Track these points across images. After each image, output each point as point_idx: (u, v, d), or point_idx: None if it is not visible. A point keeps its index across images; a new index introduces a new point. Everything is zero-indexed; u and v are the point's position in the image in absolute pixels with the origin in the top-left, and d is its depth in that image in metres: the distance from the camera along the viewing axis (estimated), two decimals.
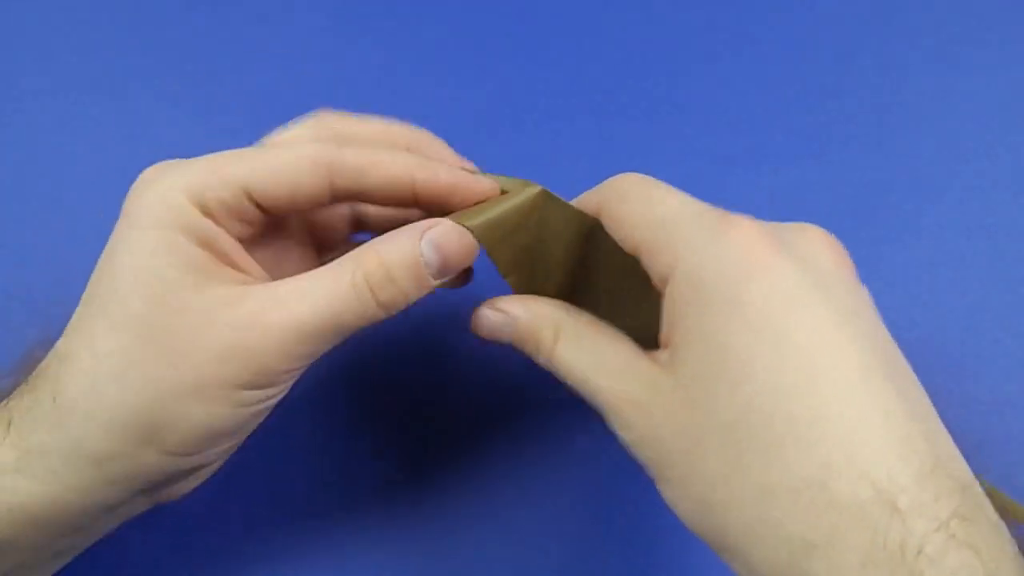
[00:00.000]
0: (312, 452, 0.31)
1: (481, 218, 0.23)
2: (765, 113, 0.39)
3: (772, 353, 0.17)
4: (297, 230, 0.27)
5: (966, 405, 0.32)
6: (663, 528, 0.30)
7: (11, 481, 0.20)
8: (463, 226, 0.23)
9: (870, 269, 0.35)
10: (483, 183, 0.24)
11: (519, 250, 0.25)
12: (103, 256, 0.22)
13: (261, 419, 0.24)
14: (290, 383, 0.23)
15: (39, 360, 0.22)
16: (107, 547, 0.25)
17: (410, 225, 0.22)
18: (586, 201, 0.25)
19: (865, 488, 0.15)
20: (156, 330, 0.20)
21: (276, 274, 0.23)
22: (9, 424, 0.21)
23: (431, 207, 0.25)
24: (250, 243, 0.24)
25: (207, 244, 0.21)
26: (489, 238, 0.23)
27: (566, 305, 0.24)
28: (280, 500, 0.30)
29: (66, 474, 0.21)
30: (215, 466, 0.25)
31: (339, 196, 0.23)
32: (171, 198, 0.21)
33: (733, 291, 0.18)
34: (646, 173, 0.37)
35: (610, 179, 0.25)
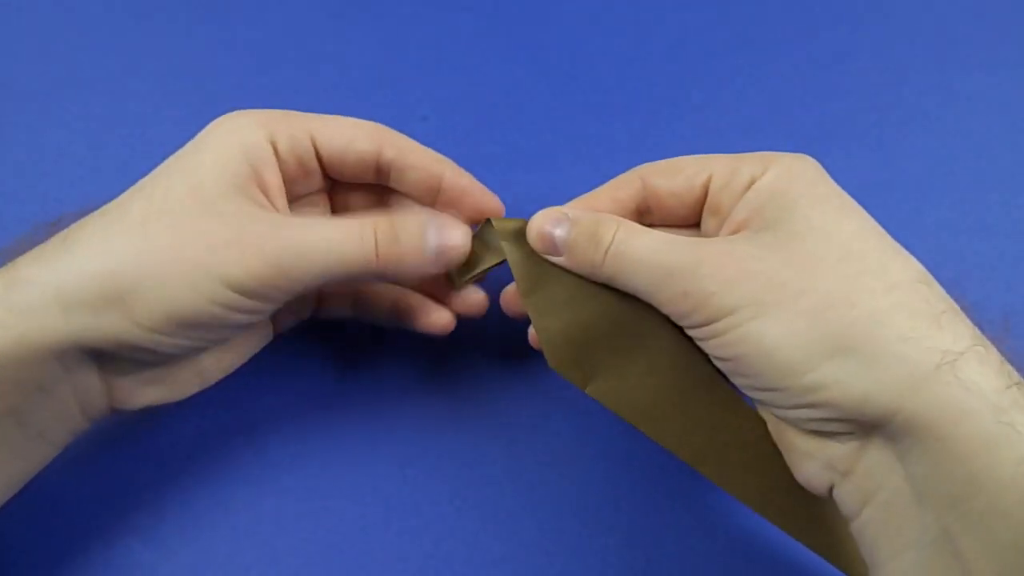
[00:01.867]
0: (308, 440, 0.31)
1: (505, 220, 0.27)
2: (765, 113, 0.39)
3: (857, 221, 0.24)
4: None
5: None
6: (663, 527, 0.30)
7: None
8: (489, 220, 0.27)
9: None
10: (494, 199, 0.29)
11: (534, 266, 0.26)
12: (176, 153, 0.25)
13: (221, 335, 0.25)
14: (262, 311, 0.25)
15: (65, 225, 0.24)
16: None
17: (424, 211, 0.27)
18: (623, 183, 0.27)
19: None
20: (180, 214, 0.23)
21: None
22: (13, 265, 0.23)
23: (447, 207, 0.28)
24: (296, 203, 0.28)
25: (257, 170, 0.25)
26: (508, 238, 0.26)
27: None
28: (269, 509, 0.30)
29: (36, 311, 0.22)
30: (172, 382, 0.26)
31: (382, 170, 0.27)
32: (246, 124, 0.25)
33: (817, 188, 0.24)
34: None
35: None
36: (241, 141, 0.25)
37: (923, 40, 0.41)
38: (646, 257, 0.23)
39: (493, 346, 0.33)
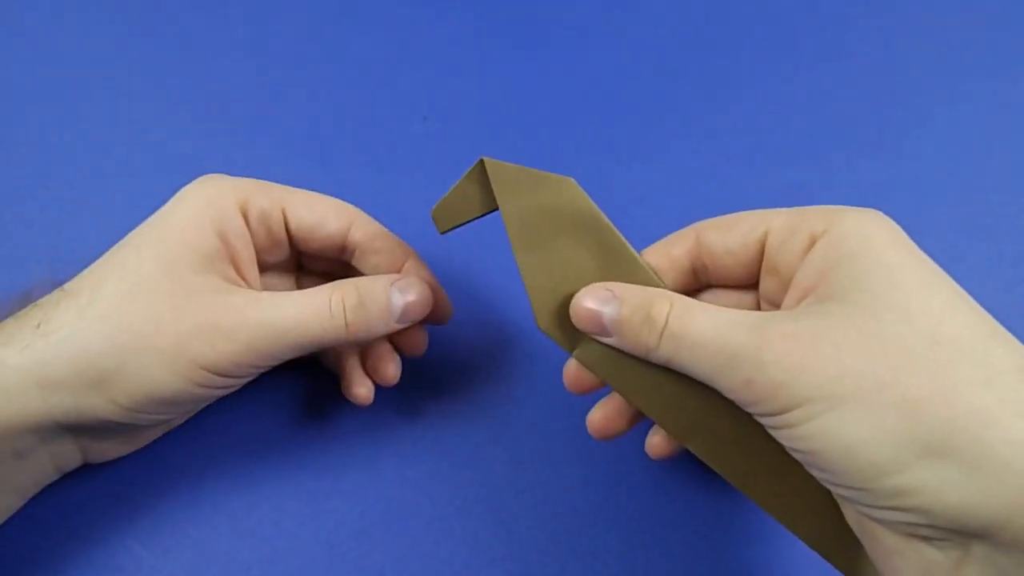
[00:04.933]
0: (306, 450, 0.31)
1: (500, 166, 0.25)
2: (765, 113, 0.39)
3: (944, 295, 0.20)
4: None
5: None
6: (664, 527, 0.30)
7: None
8: (483, 161, 0.25)
9: None
10: (446, 303, 0.29)
11: (530, 221, 0.25)
12: (150, 218, 0.25)
13: (200, 406, 0.27)
14: (240, 383, 0.26)
15: (35, 299, 0.24)
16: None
17: (385, 275, 0.27)
18: (677, 239, 0.26)
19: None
20: (153, 292, 0.23)
21: None
22: None
23: None
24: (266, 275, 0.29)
25: (227, 241, 0.25)
26: (500, 181, 0.25)
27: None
28: (268, 510, 0.30)
29: (15, 393, 0.22)
30: (143, 438, 0.28)
31: (348, 249, 0.28)
32: (219, 192, 0.25)
33: (893, 253, 0.21)
34: (647, 173, 0.37)
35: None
36: (212, 212, 0.25)
37: (925, 43, 0.41)
38: (704, 340, 0.21)
39: (495, 347, 0.33)
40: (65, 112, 0.38)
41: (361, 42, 0.41)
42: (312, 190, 0.28)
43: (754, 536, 0.30)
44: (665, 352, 0.22)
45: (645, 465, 0.31)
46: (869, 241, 0.21)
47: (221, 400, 0.30)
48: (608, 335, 0.24)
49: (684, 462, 0.31)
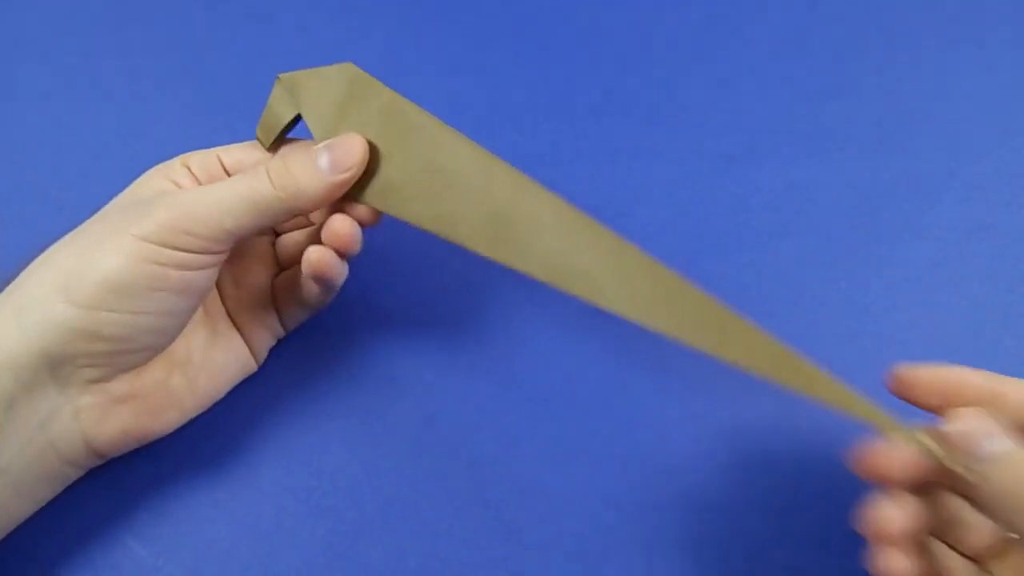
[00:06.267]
0: (309, 448, 0.31)
1: (297, 75, 0.29)
2: (765, 113, 0.39)
3: None
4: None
5: None
6: (663, 528, 0.30)
7: None
8: (279, 78, 0.29)
9: (870, 269, 0.35)
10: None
11: (330, 117, 0.28)
12: None
13: (169, 306, 0.26)
14: (198, 265, 0.26)
15: None
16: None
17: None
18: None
19: None
20: (111, 212, 0.27)
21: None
22: None
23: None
24: None
25: (177, 184, 0.28)
26: (295, 88, 0.28)
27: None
28: (268, 509, 0.30)
29: None
30: (144, 407, 0.27)
31: None
32: (168, 163, 0.29)
33: None
34: (646, 173, 0.37)
35: None
36: (162, 171, 0.28)
37: (925, 42, 0.41)
38: None
39: (493, 345, 0.33)
40: (64, 112, 0.38)
41: (361, 42, 0.41)
42: None
43: (760, 539, 0.30)
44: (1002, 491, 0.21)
45: (646, 465, 0.31)
46: None
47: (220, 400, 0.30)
48: (975, 474, 0.22)
49: (686, 468, 0.31)
